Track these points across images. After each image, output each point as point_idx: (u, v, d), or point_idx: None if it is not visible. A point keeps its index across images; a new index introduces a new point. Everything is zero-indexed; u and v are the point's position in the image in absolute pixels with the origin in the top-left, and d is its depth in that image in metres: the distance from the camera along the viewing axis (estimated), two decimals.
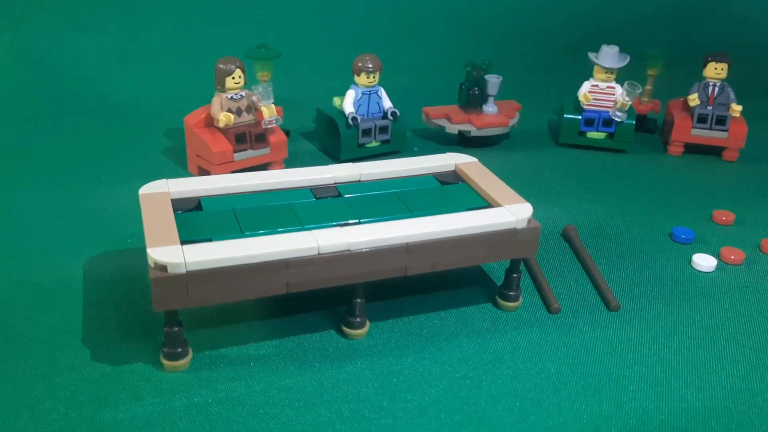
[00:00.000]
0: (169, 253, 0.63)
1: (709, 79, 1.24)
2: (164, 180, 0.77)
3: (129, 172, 1.11)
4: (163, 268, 0.63)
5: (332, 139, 1.16)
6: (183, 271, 0.63)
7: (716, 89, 1.24)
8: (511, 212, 0.74)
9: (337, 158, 1.15)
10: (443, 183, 0.84)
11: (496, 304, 0.80)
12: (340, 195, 0.79)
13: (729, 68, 1.23)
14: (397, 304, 0.80)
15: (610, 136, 1.25)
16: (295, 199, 0.77)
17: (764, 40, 1.89)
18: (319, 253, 0.67)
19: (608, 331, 0.77)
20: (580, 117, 1.24)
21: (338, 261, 0.68)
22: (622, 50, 1.23)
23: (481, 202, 0.79)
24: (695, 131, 1.25)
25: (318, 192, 0.79)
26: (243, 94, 1.05)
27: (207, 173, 1.05)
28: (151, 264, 0.63)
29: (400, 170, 0.85)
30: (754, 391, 0.69)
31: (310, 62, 1.40)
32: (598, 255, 0.92)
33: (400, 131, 1.18)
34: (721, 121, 1.23)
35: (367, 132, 1.14)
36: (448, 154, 0.88)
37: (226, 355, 0.71)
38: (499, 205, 0.77)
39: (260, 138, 1.05)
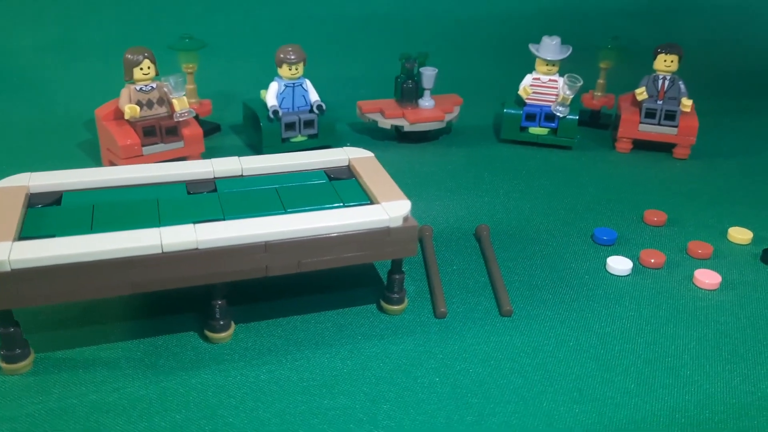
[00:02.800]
0: None
1: (659, 72, 1.18)
2: (27, 173, 0.74)
3: (37, 163, 1.07)
4: None
5: (255, 133, 1.11)
6: (8, 269, 0.59)
7: (666, 83, 1.17)
8: (386, 210, 0.70)
9: (259, 153, 1.11)
10: (335, 179, 0.80)
11: (380, 308, 0.76)
12: (215, 190, 0.75)
13: (680, 60, 1.16)
14: (277, 305, 0.76)
15: (554, 131, 1.19)
16: (165, 195, 0.73)
17: (735, 35, 1.81)
18: (163, 252, 0.63)
19: (493, 338, 0.72)
20: (520, 112, 1.19)
21: (186, 260, 0.64)
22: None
23: (364, 198, 0.74)
24: (643, 127, 1.18)
25: (193, 187, 0.75)
26: (154, 85, 1.01)
27: None
28: None
29: (288, 165, 0.80)
30: (637, 406, 0.64)
31: (245, 54, 1.36)
32: (512, 256, 0.87)
33: (329, 125, 1.13)
34: (671, 116, 1.17)
35: (290, 126, 1.10)
36: (344, 148, 0.84)
37: (74, 358, 0.67)
38: (377, 203, 0.72)
39: (172, 131, 1.02)
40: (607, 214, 0.99)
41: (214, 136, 1.20)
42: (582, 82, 1.14)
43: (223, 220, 0.68)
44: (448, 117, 1.19)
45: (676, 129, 1.17)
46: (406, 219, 0.70)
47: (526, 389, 0.65)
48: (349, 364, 0.67)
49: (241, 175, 0.78)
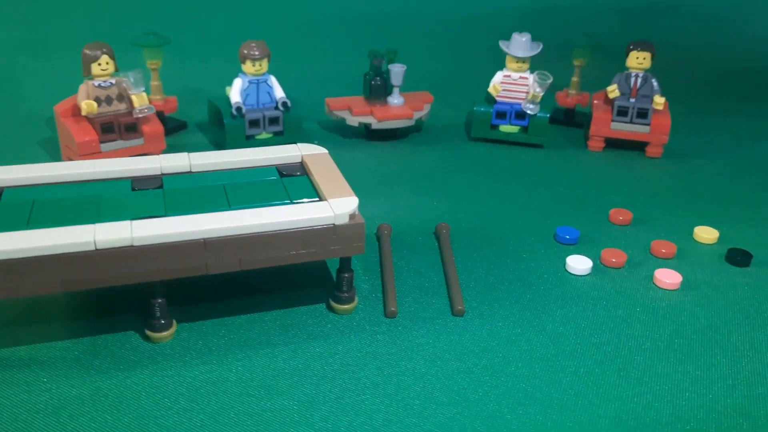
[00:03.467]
0: None
1: (631, 70, 1.16)
2: None
3: None
4: None
5: (220, 131, 1.10)
6: None
7: (639, 80, 1.16)
8: (332, 207, 0.68)
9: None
10: (286, 175, 0.78)
11: (329, 307, 0.75)
12: (161, 187, 0.74)
13: (653, 57, 1.15)
14: (224, 304, 0.74)
15: (525, 129, 1.18)
16: (109, 191, 0.72)
17: (714, 35, 1.80)
18: (96, 249, 0.61)
19: (442, 338, 0.70)
20: (491, 110, 1.17)
21: (120, 258, 0.62)
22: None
23: (312, 195, 0.73)
24: (615, 125, 1.17)
25: (138, 183, 0.74)
26: (113, 81, 0.99)
27: None
28: None
29: (239, 161, 0.79)
30: (583, 408, 0.62)
31: (213, 51, 1.35)
32: (471, 255, 0.85)
33: (295, 122, 1.11)
34: (643, 114, 1.15)
35: (254, 123, 1.08)
36: (298, 144, 0.82)
37: (9, 358, 0.65)
38: (324, 200, 0.71)
39: (131, 128, 1.00)
40: (572, 213, 0.97)
41: (180, 134, 1.18)
42: (552, 79, 1.12)
43: (164, 216, 0.67)
44: (417, 114, 1.17)
45: (648, 127, 1.15)
46: (353, 216, 0.69)
47: (471, 390, 0.63)
48: (291, 365, 0.66)
49: (190, 172, 0.77)
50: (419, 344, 0.69)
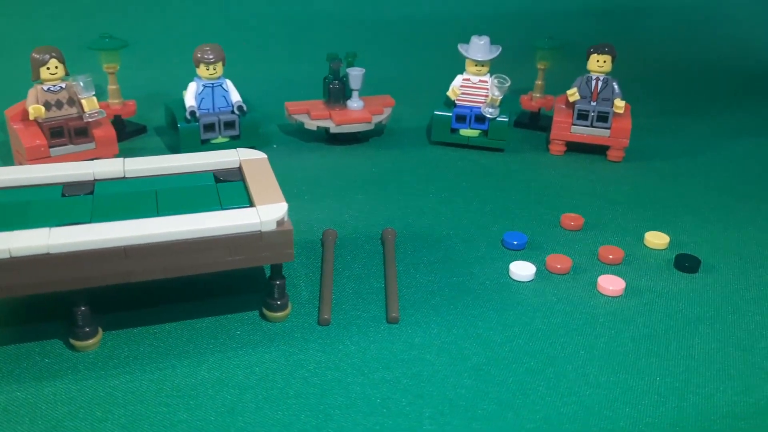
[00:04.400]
0: None
1: (592, 73, 1.15)
2: None
3: None
4: None
5: (175, 135, 1.09)
6: None
7: (600, 83, 1.15)
8: (259, 213, 0.67)
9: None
10: (223, 180, 0.77)
11: (262, 314, 0.74)
12: (92, 192, 0.73)
13: (613, 61, 1.14)
14: (156, 311, 0.73)
15: (485, 133, 1.17)
16: (38, 197, 0.71)
17: (684, 36, 1.79)
18: (11, 257, 0.60)
19: (373, 346, 0.69)
20: (450, 113, 1.16)
21: (37, 266, 0.61)
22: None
23: (245, 202, 0.72)
24: (575, 129, 1.16)
25: (69, 189, 0.73)
26: (63, 85, 0.99)
27: None
28: None
29: (175, 166, 0.78)
30: (507, 419, 0.60)
31: (174, 54, 1.34)
32: (415, 260, 0.84)
33: (252, 127, 1.11)
34: (603, 117, 1.14)
35: (209, 127, 1.07)
36: (238, 150, 0.81)
37: None
38: (253, 206, 0.70)
39: (81, 132, 0.99)
40: (524, 218, 0.96)
41: (139, 138, 1.17)
42: (510, 83, 1.11)
43: (88, 223, 0.66)
44: (377, 118, 1.16)
45: (609, 131, 1.14)
46: (281, 223, 0.68)
47: (394, 401, 0.62)
48: (216, 374, 0.65)
49: (124, 177, 0.76)
50: (348, 353, 0.68)
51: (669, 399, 0.64)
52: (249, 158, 0.79)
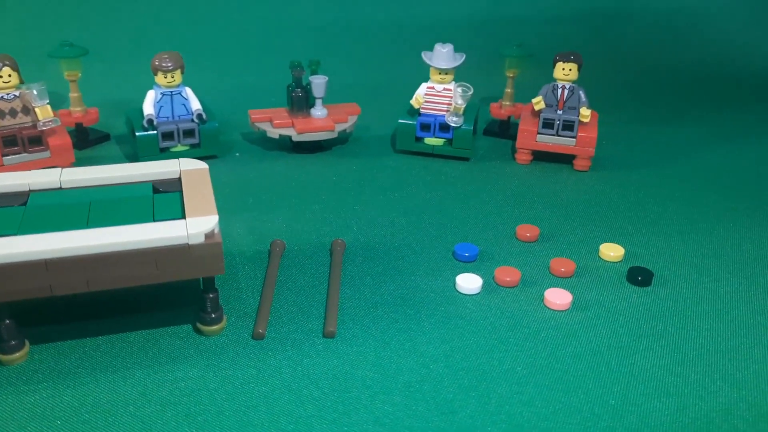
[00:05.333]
0: None
1: (558, 81, 1.14)
2: None
3: None
4: None
5: (133, 143, 1.08)
6: None
7: (566, 92, 1.13)
8: (187, 226, 0.66)
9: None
10: (163, 191, 0.76)
11: (196, 328, 0.72)
12: (25, 204, 0.72)
13: (579, 69, 1.12)
14: (90, 325, 0.72)
15: (450, 142, 1.15)
16: None
17: (661, 43, 1.77)
18: None
19: (305, 361, 0.68)
20: (414, 122, 1.15)
21: None
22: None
23: (178, 213, 0.71)
24: (541, 137, 1.14)
25: (2, 200, 0.72)
26: (16, 94, 0.98)
27: None
28: None
29: (114, 177, 0.77)
30: None
31: (139, 61, 1.33)
32: (363, 272, 0.83)
33: (213, 135, 1.10)
34: (569, 126, 1.13)
35: (168, 135, 1.06)
36: (180, 159, 0.80)
37: None
38: (184, 218, 0.69)
39: (35, 141, 0.98)
40: (481, 228, 0.95)
41: (101, 146, 1.17)
42: (472, 91, 1.10)
43: (15, 235, 0.65)
44: (340, 127, 1.15)
45: (574, 140, 1.13)
46: (209, 236, 0.67)
47: (319, 418, 0.61)
48: (139, 389, 0.64)
49: (60, 188, 0.75)
50: (279, 368, 0.67)
51: (602, 418, 0.63)
52: (190, 168, 0.79)
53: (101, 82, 1.33)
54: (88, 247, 0.63)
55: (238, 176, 1.08)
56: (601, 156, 1.20)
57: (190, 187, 0.74)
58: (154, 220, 0.69)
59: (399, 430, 0.60)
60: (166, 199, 0.73)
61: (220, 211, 0.97)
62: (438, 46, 1.12)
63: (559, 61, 1.13)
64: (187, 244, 0.65)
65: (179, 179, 0.77)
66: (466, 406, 0.63)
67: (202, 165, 0.80)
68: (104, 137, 1.19)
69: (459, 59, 1.12)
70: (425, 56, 1.13)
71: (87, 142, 1.16)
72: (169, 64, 1.04)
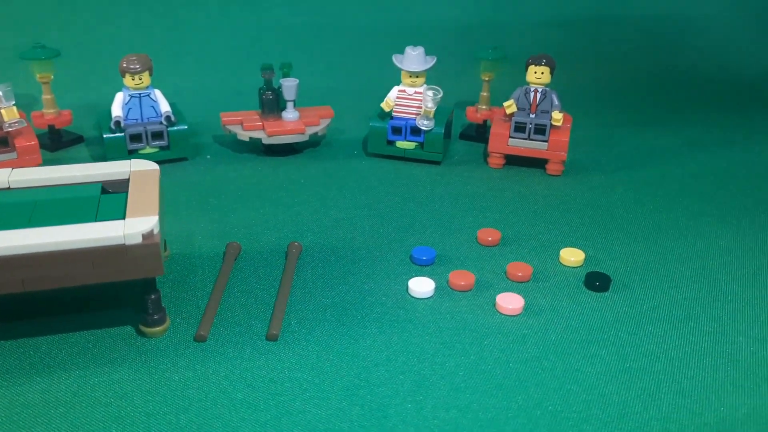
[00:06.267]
0: None
1: (531, 84, 1.13)
2: None
3: None
4: None
5: (102, 145, 1.08)
6: None
7: (539, 95, 1.12)
8: (124, 226, 0.66)
9: None
10: (113, 192, 0.76)
11: (138, 330, 0.72)
12: None
13: (552, 72, 1.11)
14: (34, 324, 0.71)
15: (421, 145, 1.15)
16: None
17: (645, 46, 1.75)
18: None
19: (243, 364, 0.67)
20: (386, 125, 1.14)
21: None
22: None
23: (120, 214, 0.70)
24: (512, 141, 1.13)
25: None
26: None
27: None
28: None
29: (64, 177, 0.77)
30: None
31: (116, 63, 1.33)
32: (317, 275, 0.82)
33: (182, 137, 1.10)
34: (541, 130, 1.11)
35: (136, 137, 1.06)
36: (132, 161, 0.80)
37: None
38: (124, 219, 0.68)
39: (1, 142, 0.99)
40: (442, 232, 0.94)
41: (74, 148, 1.17)
42: (442, 94, 1.09)
43: None
44: (312, 130, 1.15)
45: (546, 144, 1.12)
46: (147, 236, 0.66)
47: (250, 422, 0.60)
48: (73, 390, 0.63)
49: (8, 188, 0.75)
50: (217, 371, 0.67)
51: (539, 425, 0.61)
52: (140, 169, 0.78)
53: (77, 84, 1.33)
54: (22, 246, 0.62)
55: (205, 179, 1.08)
56: (576, 160, 1.18)
57: (136, 188, 0.74)
58: (96, 221, 0.69)
59: None
60: (111, 200, 0.73)
61: (182, 213, 0.97)
62: (408, 49, 1.11)
63: (532, 64, 1.12)
64: (124, 244, 0.65)
65: (129, 180, 0.78)
66: (400, 411, 0.62)
67: (153, 166, 0.79)
68: (78, 139, 1.19)
69: (430, 62, 1.11)
70: (396, 59, 1.12)
71: (60, 144, 1.17)
72: (137, 66, 1.04)
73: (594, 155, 1.22)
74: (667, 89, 1.60)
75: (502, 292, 0.80)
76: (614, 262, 0.88)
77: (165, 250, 0.85)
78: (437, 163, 1.16)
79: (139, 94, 1.06)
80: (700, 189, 1.09)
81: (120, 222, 0.67)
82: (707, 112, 1.47)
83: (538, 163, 1.15)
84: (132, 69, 1.04)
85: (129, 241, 0.65)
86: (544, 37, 1.66)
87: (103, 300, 0.76)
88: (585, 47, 1.69)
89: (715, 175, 1.15)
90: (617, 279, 0.84)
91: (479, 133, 1.27)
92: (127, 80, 1.05)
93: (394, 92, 1.14)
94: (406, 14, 1.63)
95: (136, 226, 0.66)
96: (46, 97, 1.14)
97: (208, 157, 1.15)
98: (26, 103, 1.27)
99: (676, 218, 1.00)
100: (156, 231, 0.67)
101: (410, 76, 1.12)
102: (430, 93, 1.10)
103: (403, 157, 1.16)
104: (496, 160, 1.16)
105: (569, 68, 1.58)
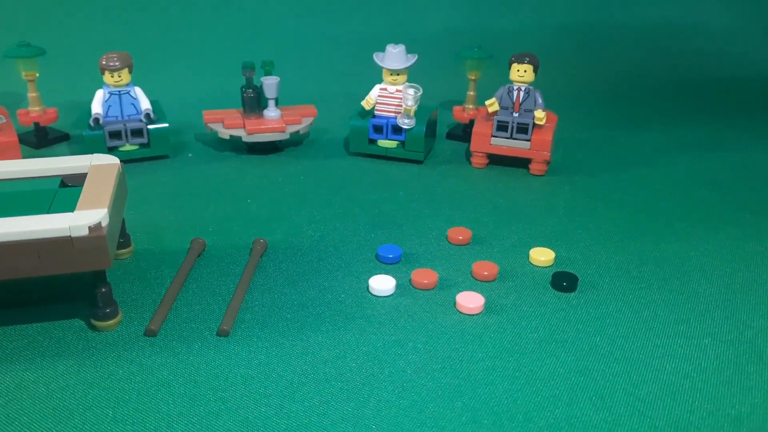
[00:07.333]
0: None
1: (514, 83, 1.11)
2: None
3: None
4: None
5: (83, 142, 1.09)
6: None
7: (522, 94, 1.10)
8: (71, 218, 0.65)
9: None
10: (72, 186, 0.76)
11: (89, 323, 0.72)
12: None
13: (535, 70, 1.09)
14: None
15: (402, 144, 1.13)
16: None
17: (639, 48, 1.72)
18: None
19: (189, 360, 0.66)
20: (367, 124, 1.13)
21: None
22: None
23: (72, 207, 0.70)
24: (495, 140, 1.11)
25: None
26: None
27: None
28: None
29: (24, 171, 0.77)
30: None
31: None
32: (280, 273, 0.81)
33: (162, 135, 1.10)
34: (523, 129, 1.10)
35: (115, 135, 1.07)
36: (95, 155, 0.80)
37: None
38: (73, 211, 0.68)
39: None
40: (413, 231, 0.92)
41: (59, 145, 1.18)
42: (422, 92, 1.08)
43: None
44: (293, 128, 1.14)
45: (529, 143, 1.10)
46: (94, 229, 0.66)
47: (188, 417, 0.59)
48: (16, 383, 0.63)
49: None
50: (162, 365, 0.66)
51: (482, 425, 0.59)
52: (99, 164, 0.78)
53: (64, 83, 1.34)
54: None
55: (182, 176, 1.08)
56: (561, 160, 1.16)
57: (92, 182, 0.73)
58: (47, 213, 0.69)
59: (269, 431, 0.59)
60: (68, 194, 0.73)
61: (154, 209, 0.97)
62: (389, 47, 1.10)
63: (515, 62, 1.10)
64: (69, 236, 0.65)
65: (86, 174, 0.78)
66: (341, 410, 0.61)
67: (114, 160, 0.79)
68: (63, 137, 1.20)
69: (411, 60, 1.10)
70: (376, 57, 1.11)
71: (46, 142, 1.18)
72: (116, 63, 1.05)
73: (580, 156, 1.20)
74: (655, 91, 1.57)
75: (463, 290, 0.79)
76: (586, 262, 0.86)
77: (129, 245, 0.85)
78: (419, 162, 1.15)
79: (119, 91, 1.07)
80: (684, 191, 1.06)
81: (68, 214, 0.66)
82: (694, 114, 1.44)
83: (522, 163, 1.14)
84: (111, 66, 1.05)
85: (75, 233, 0.65)
86: (533, 40, 1.63)
87: (57, 294, 0.76)
88: (573, 51, 1.67)
89: (701, 177, 1.12)
90: (586, 279, 0.82)
91: (466, 132, 1.26)
92: (107, 77, 1.05)
93: (375, 90, 1.13)
94: (395, 17, 1.63)
95: (83, 218, 0.66)
96: (31, 95, 1.15)
97: (190, 155, 1.15)
98: (12, 101, 1.29)
99: (656, 220, 0.97)
100: (104, 224, 0.67)
101: (391, 74, 1.11)
102: (410, 91, 1.09)
103: (385, 156, 1.15)
104: (479, 160, 1.14)
105: (557, 70, 1.56)
